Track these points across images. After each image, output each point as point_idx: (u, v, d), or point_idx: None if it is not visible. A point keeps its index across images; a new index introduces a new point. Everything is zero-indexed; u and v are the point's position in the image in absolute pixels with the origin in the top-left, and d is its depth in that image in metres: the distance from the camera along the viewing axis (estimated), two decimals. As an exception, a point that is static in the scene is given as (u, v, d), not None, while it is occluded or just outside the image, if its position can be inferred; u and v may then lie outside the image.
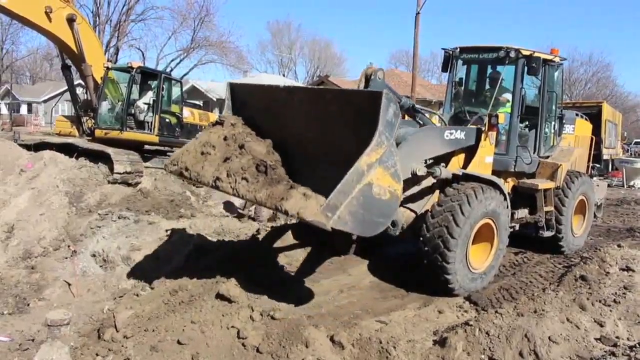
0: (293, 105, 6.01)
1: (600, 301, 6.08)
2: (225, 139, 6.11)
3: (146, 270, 7.69)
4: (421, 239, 7.07)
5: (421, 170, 6.88)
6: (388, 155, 5.05)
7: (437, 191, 7.66)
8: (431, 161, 7.63)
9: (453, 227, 6.80)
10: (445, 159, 7.68)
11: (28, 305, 7.30)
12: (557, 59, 9.17)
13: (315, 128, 5.87)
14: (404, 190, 7.97)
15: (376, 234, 5.34)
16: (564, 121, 9.76)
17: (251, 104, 6.53)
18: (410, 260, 8.19)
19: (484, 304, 6.97)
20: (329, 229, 4.79)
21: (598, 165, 13.94)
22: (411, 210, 7.69)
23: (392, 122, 4.96)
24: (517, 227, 8.75)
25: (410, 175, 6.90)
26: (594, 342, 5.35)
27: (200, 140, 6.25)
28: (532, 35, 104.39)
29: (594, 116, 13.81)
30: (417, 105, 7.97)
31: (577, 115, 10.91)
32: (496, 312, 5.90)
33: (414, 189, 7.94)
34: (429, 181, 7.93)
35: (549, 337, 5.29)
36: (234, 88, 6.83)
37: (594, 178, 12.53)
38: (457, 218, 6.80)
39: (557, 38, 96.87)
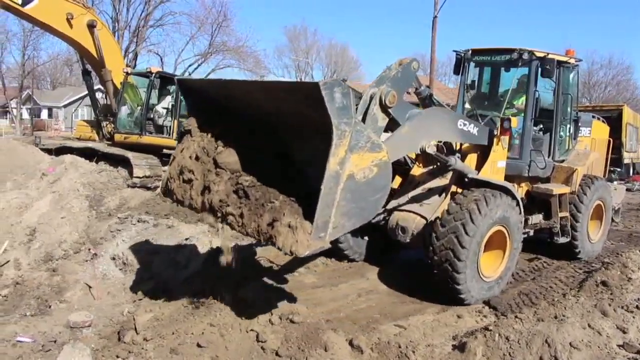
0: (249, 102, 5.68)
1: (622, 307, 5.98)
2: (197, 158, 5.83)
3: (165, 274, 7.75)
4: (431, 248, 6.94)
5: (430, 148, 6.64)
6: (356, 137, 4.75)
7: (449, 197, 7.58)
8: (440, 143, 7.49)
9: (463, 237, 6.67)
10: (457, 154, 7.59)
11: (50, 307, 7.38)
12: (572, 61, 9.00)
13: (276, 122, 5.63)
14: (417, 197, 7.95)
15: (380, 210, 5.24)
16: (579, 124, 9.59)
17: (207, 102, 6.06)
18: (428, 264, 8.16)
19: (504, 308, 6.92)
20: (329, 245, 4.76)
21: (619, 170, 13.70)
22: (421, 216, 7.57)
23: (345, 105, 4.49)
24: (531, 233, 8.61)
25: (418, 152, 6.75)
26: (617, 349, 5.27)
27: (177, 164, 5.98)
28: (550, 38, 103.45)
29: (615, 119, 13.57)
30: (434, 96, 7.86)
31: (593, 117, 10.71)
32: (516, 317, 5.85)
33: (425, 194, 7.88)
34: (440, 185, 7.88)
35: (570, 343, 5.22)
36: (183, 85, 6.33)
37: (614, 182, 12.36)
38: (467, 228, 6.67)
39: (576, 41, 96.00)
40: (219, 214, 5.43)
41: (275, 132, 5.72)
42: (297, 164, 5.56)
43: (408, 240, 7.59)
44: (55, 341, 5.89)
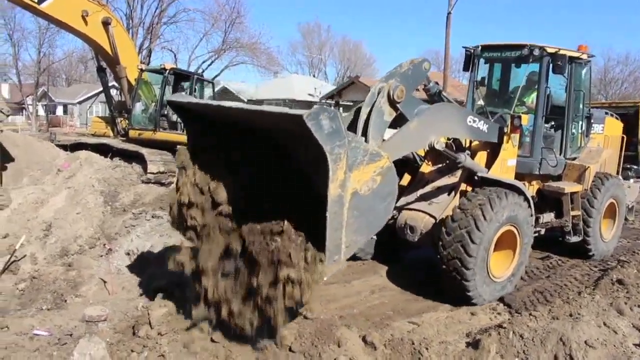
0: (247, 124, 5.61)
1: (638, 306, 5.93)
2: (199, 207, 5.67)
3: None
4: (438, 255, 6.90)
5: (439, 144, 6.60)
6: (352, 154, 4.67)
7: (458, 196, 7.52)
8: (449, 141, 7.42)
9: (469, 246, 6.61)
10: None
11: (65, 301, 7.46)
12: (584, 56, 8.83)
13: (272, 136, 5.55)
14: (425, 196, 7.90)
15: (390, 215, 5.21)
16: (592, 121, 9.40)
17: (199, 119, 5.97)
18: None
19: (518, 306, 6.89)
20: (345, 265, 4.77)
21: (636, 167, 13.51)
22: (430, 215, 7.51)
23: (334, 129, 4.34)
24: (542, 232, 8.50)
25: (426, 147, 6.70)
26: (633, 348, 5.22)
27: (179, 201, 5.87)
28: (566, 35, 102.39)
29: (631, 117, 13.36)
30: (444, 93, 7.80)
31: (606, 114, 10.52)
32: (530, 314, 5.83)
33: (434, 193, 7.83)
34: (449, 183, 7.82)
35: (585, 342, 5.18)
36: (176, 106, 6.24)
37: (630, 180, 12.19)
38: (472, 236, 6.60)
39: (592, 38, 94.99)
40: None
41: (273, 143, 5.64)
42: (299, 171, 5.44)
43: (416, 240, 7.54)
44: (71, 335, 5.94)
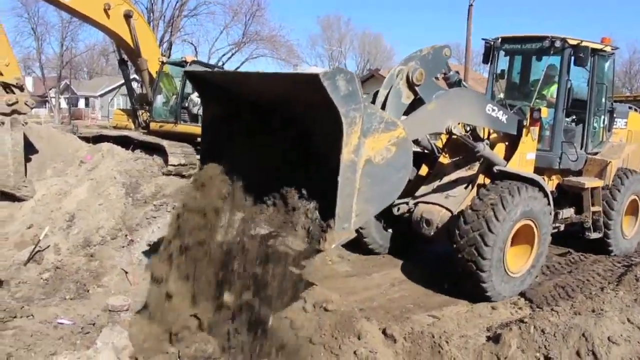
0: (259, 92, 5.50)
1: (664, 302, 5.85)
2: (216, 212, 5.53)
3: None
4: (454, 246, 6.81)
5: (456, 129, 6.50)
6: (368, 120, 4.54)
7: (475, 189, 7.42)
8: (468, 128, 7.32)
9: (487, 236, 6.51)
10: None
11: (88, 291, 7.57)
12: (608, 49, 8.64)
13: (288, 108, 5.43)
14: (442, 188, 7.83)
15: (405, 184, 5.11)
16: (615, 115, 9.23)
17: (222, 96, 5.78)
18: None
19: (539, 301, 6.83)
20: (355, 233, 4.68)
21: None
22: (447, 209, 7.43)
23: (351, 91, 4.25)
24: (561, 228, 8.35)
25: (444, 131, 6.60)
26: (657, 344, 5.16)
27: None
28: (590, 28, 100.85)
29: (657, 111, 13.14)
30: (464, 83, 7.70)
31: (630, 108, 10.31)
32: (552, 310, 5.77)
33: (451, 186, 7.75)
34: (466, 176, 7.74)
35: (609, 338, 5.13)
36: (193, 76, 6.03)
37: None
38: (490, 226, 6.52)
39: (617, 30, 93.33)
40: None
41: (290, 119, 5.53)
42: (317, 149, 5.40)
43: (432, 234, 7.47)
44: (94, 324, 6.03)
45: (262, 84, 5.27)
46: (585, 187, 8.27)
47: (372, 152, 4.64)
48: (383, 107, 5.72)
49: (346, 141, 4.37)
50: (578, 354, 5.06)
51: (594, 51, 8.28)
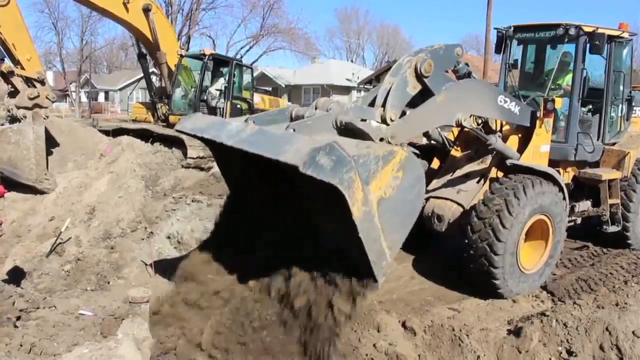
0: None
1: (689, 296, 5.74)
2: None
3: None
4: (466, 241, 6.65)
5: (467, 122, 6.31)
6: (364, 170, 4.32)
7: (487, 184, 7.28)
8: (480, 121, 7.16)
9: (499, 231, 6.34)
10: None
11: (108, 283, 7.66)
12: (625, 35, 8.29)
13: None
14: (454, 183, 7.70)
15: (424, 194, 4.97)
16: (633, 104, 8.91)
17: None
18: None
19: (561, 294, 6.73)
20: (395, 265, 4.59)
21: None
22: (458, 204, 7.29)
23: (336, 160, 4.02)
24: (578, 221, 8.15)
25: (453, 124, 6.36)
26: (683, 339, 5.06)
27: None
28: (610, 16, 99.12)
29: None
30: (474, 75, 7.56)
31: None
32: (574, 303, 5.70)
33: (462, 180, 7.61)
34: (478, 170, 7.61)
35: (633, 332, 5.04)
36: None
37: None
38: (503, 220, 6.34)
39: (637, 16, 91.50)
40: None
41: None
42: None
43: (444, 229, 7.34)
44: (114, 315, 6.09)
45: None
46: (603, 179, 8.02)
47: (380, 192, 4.47)
48: (386, 95, 5.55)
49: (351, 201, 4.18)
50: (601, 348, 4.99)
51: (611, 38, 7.98)
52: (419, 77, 5.67)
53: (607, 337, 5.02)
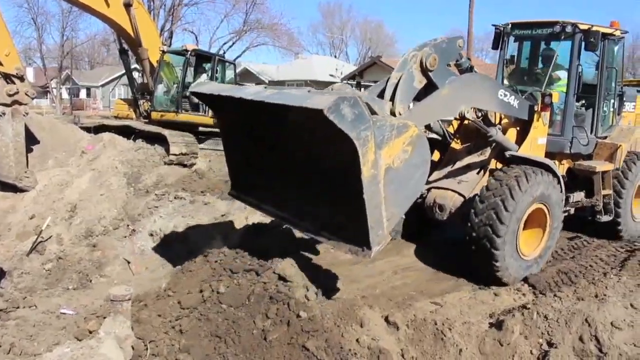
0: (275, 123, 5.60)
1: (667, 287, 5.82)
2: None
3: (202, 249, 7.84)
4: (469, 224, 6.86)
5: (470, 114, 6.57)
6: (379, 133, 4.63)
7: (487, 174, 7.46)
8: (480, 114, 7.32)
9: (502, 214, 6.57)
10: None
11: (90, 281, 7.61)
12: (617, 33, 8.64)
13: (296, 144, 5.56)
14: (455, 174, 7.87)
15: (427, 177, 5.30)
16: (624, 99, 9.26)
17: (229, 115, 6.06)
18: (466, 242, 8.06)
19: (542, 287, 6.80)
20: (389, 237, 4.85)
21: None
22: (459, 194, 7.51)
23: (357, 114, 4.34)
24: (572, 211, 8.40)
25: (457, 116, 6.67)
26: (661, 329, 5.14)
27: None
28: (593, 13, 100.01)
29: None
30: (475, 69, 7.70)
31: (638, 92, 10.34)
32: (555, 295, 5.75)
33: (463, 171, 7.80)
34: (478, 162, 7.77)
35: (612, 323, 5.09)
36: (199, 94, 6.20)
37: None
38: (506, 204, 6.56)
39: (621, 15, 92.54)
40: None
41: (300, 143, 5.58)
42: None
43: (445, 218, 7.54)
44: (96, 314, 6.04)
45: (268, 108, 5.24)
46: (596, 170, 8.29)
47: (390, 160, 4.76)
48: (395, 90, 5.78)
49: (363, 160, 4.47)
50: (581, 339, 5.04)
51: (604, 35, 8.27)
52: (424, 71, 5.90)
53: (587, 329, 5.07)
